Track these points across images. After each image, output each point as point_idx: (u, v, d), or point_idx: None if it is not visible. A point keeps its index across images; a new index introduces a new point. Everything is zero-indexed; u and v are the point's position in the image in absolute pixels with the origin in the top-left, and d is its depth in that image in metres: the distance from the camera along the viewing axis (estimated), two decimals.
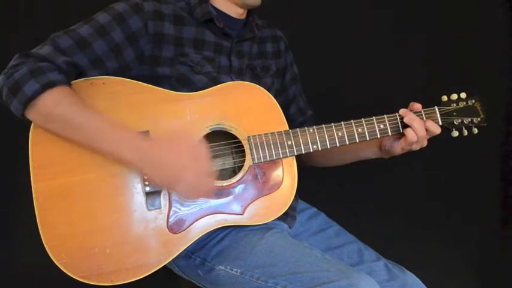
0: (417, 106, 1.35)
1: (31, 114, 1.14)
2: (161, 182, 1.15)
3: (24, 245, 1.83)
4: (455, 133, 1.38)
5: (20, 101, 1.12)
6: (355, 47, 2.00)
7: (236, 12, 1.38)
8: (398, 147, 1.36)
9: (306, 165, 1.48)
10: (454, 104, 1.38)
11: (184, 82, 1.28)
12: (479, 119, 1.38)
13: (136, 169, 1.16)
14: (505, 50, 2.03)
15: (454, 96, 1.38)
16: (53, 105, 1.12)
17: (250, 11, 1.43)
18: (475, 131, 1.38)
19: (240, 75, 1.37)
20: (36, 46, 1.20)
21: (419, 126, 1.31)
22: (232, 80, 1.34)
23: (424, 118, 1.34)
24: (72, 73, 1.19)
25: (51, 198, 1.16)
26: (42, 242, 1.14)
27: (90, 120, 1.13)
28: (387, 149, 1.39)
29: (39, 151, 1.17)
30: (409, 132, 1.31)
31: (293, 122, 1.55)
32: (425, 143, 1.35)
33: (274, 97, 1.32)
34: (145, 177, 1.17)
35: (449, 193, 2.07)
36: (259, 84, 1.32)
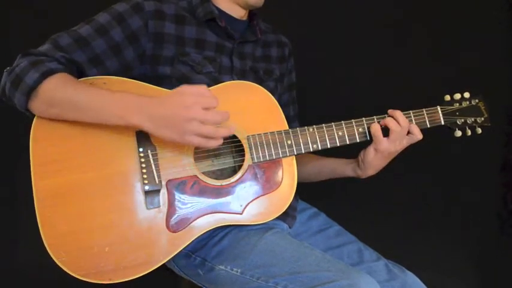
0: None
1: (34, 103, 1.15)
2: (177, 134, 1.09)
3: (24, 243, 1.86)
4: (459, 133, 1.37)
5: (22, 91, 1.13)
6: (356, 47, 2.00)
7: (238, 12, 1.38)
8: (371, 152, 1.33)
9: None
10: (457, 104, 1.37)
11: (184, 82, 1.27)
12: (482, 118, 1.37)
13: (149, 131, 1.12)
14: (508, 51, 2.01)
15: (458, 96, 1.37)
16: (54, 89, 1.14)
17: (254, 14, 1.43)
18: (479, 131, 1.37)
19: (242, 77, 1.37)
20: (36, 46, 1.21)
21: (394, 126, 1.28)
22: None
23: (426, 117, 1.33)
24: (72, 68, 1.20)
25: (52, 197, 1.16)
26: (42, 240, 1.14)
27: (93, 96, 1.14)
28: (363, 157, 1.36)
29: (40, 149, 1.17)
30: (373, 127, 1.29)
31: None
32: (400, 146, 1.32)
33: (278, 101, 1.32)
34: (161, 138, 1.13)
35: (450, 193, 2.07)
36: (262, 87, 1.31)
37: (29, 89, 1.13)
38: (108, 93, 1.15)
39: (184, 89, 1.11)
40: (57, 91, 1.14)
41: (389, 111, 1.32)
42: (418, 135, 1.31)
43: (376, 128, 1.29)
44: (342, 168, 1.45)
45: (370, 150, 1.33)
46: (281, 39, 1.53)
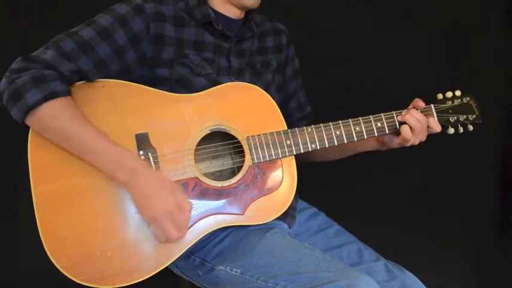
0: (421, 103, 1.37)
1: (30, 122, 1.15)
2: (147, 215, 1.15)
3: (25, 248, 1.82)
4: (451, 130, 1.39)
5: (20, 109, 1.12)
6: (353, 46, 2.01)
7: (234, 13, 1.39)
8: (395, 142, 1.38)
9: (303, 162, 1.49)
10: (450, 102, 1.39)
11: (183, 84, 1.29)
12: (474, 116, 1.40)
13: (126, 187, 1.16)
14: (504, 50, 2.05)
15: (449, 94, 1.40)
16: (52, 117, 1.13)
17: (249, 10, 1.43)
18: (470, 128, 1.39)
19: (239, 75, 1.38)
20: (36, 47, 1.19)
21: (415, 124, 1.32)
22: (232, 81, 1.34)
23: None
24: (74, 80, 1.19)
25: (52, 202, 1.15)
26: (43, 246, 1.13)
27: (86, 138, 1.14)
28: (385, 142, 1.41)
29: (39, 154, 1.17)
30: (404, 129, 1.33)
31: (292, 117, 1.55)
32: (424, 138, 1.36)
33: (276, 93, 1.33)
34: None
35: (449, 193, 2.08)
36: (259, 81, 1.33)
37: (27, 109, 1.12)
38: (104, 140, 1.15)
39: (176, 193, 1.16)
40: (55, 120, 1.13)
41: (404, 112, 1.35)
42: (437, 128, 1.35)
43: (406, 131, 1.32)
44: (363, 146, 1.47)
45: (395, 142, 1.37)
46: (277, 26, 1.52)
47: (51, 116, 1.13)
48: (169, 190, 1.16)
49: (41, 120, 1.14)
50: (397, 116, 1.35)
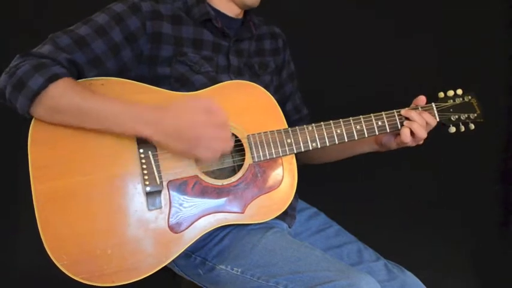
0: (422, 99, 1.37)
1: (37, 108, 1.14)
2: (188, 148, 1.14)
3: (25, 246, 1.83)
4: (453, 129, 1.39)
5: (26, 96, 1.12)
6: (353, 45, 2.01)
7: (234, 11, 1.39)
8: (393, 143, 1.38)
9: (301, 162, 1.49)
10: (451, 101, 1.39)
11: (183, 82, 1.29)
12: (475, 114, 1.39)
13: (156, 142, 1.16)
14: (505, 50, 2.05)
15: (451, 93, 1.39)
16: (59, 96, 1.13)
17: (248, 11, 1.44)
18: (472, 126, 1.39)
19: (239, 74, 1.38)
20: (35, 46, 1.20)
21: (418, 129, 1.32)
22: (231, 79, 1.34)
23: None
24: (73, 71, 1.19)
25: (52, 200, 1.15)
26: (43, 244, 1.13)
27: (100, 104, 1.14)
28: (383, 143, 1.41)
29: (39, 152, 1.16)
30: (403, 132, 1.32)
31: (288, 119, 1.53)
32: (421, 142, 1.36)
33: (273, 95, 1.33)
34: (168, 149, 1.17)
35: (449, 193, 2.08)
36: (257, 82, 1.32)
37: (33, 94, 1.11)
38: (118, 102, 1.15)
39: (197, 103, 1.14)
40: (63, 98, 1.13)
41: (403, 112, 1.34)
42: (432, 123, 1.34)
43: (405, 134, 1.32)
44: (361, 147, 1.47)
45: (393, 143, 1.38)
46: (274, 30, 1.54)
47: (58, 95, 1.13)
48: (190, 109, 1.14)
49: (49, 102, 1.13)
50: (398, 114, 1.34)
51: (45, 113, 1.15)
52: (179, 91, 1.27)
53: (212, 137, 1.14)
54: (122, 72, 1.25)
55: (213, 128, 1.14)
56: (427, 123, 1.33)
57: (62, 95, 1.13)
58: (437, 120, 1.37)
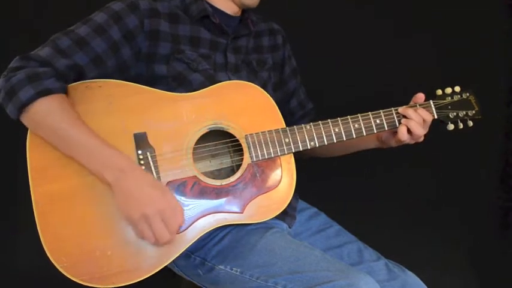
0: (420, 96, 1.37)
1: (24, 119, 1.15)
2: (126, 212, 1.13)
3: (25, 247, 1.83)
4: (451, 126, 1.39)
5: (14, 105, 1.13)
6: (352, 45, 2.01)
7: (232, 9, 1.40)
8: (392, 141, 1.39)
9: (306, 157, 1.48)
10: (449, 98, 1.39)
11: (180, 81, 1.29)
12: (473, 111, 1.39)
13: (114, 194, 1.14)
14: (505, 49, 2.05)
15: (449, 90, 1.39)
16: (44, 114, 1.14)
17: (246, 9, 1.44)
18: (470, 123, 1.39)
19: (236, 72, 1.38)
20: (35, 47, 1.20)
21: (414, 126, 1.32)
22: (229, 77, 1.35)
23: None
24: (70, 78, 1.20)
25: (51, 202, 1.15)
26: (42, 246, 1.13)
27: (78, 135, 1.14)
28: (383, 141, 1.41)
29: (37, 154, 1.17)
30: (400, 130, 1.33)
31: (294, 116, 1.56)
32: (421, 139, 1.36)
33: (273, 91, 1.34)
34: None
35: (449, 192, 2.07)
36: (255, 79, 1.33)
37: (21, 105, 1.12)
38: (95, 139, 1.14)
39: (168, 195, 1.15)
40: (47, 118, 1.14)
41: (400, 110, 1.34)
42: (428, 119, 1.34)
43: (402, 132, 1.32)
44: (364, 143, 1.47)
45: (392, 141, 1.38)
46: (273, 26, 1.54)
47: (43, 113, 1.14)
48: (161, 191, 1.15)
49: (33, 117, 1.14)
50: (396, 112, 1.35)
51: (30, 125, 1.17)
52: (177, 90, 1.27)
53: (157, 226, 1.12)
54: (122, 71, 1.26)
55: (163, 223, 1.13)
56: (424, 120, 1.33)
57: (46, 114, 1.14)
58: (435, 117, 1.37)
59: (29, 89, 1.12)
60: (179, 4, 1.34)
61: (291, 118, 1.50)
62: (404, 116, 1.34)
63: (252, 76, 1.39)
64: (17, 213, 1.74)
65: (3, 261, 1.91)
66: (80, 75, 1.21)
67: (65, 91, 1.18)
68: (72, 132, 1.14)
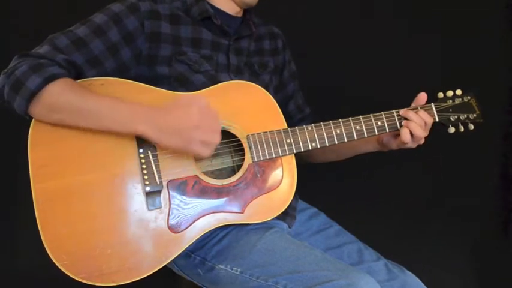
0: (423, 96, 1.37)
1: (35, 108, 1.14)
2: (182, 143, 1.15)
3: (24, 246, 1.83)
4: (452, 129, 1.39)
5: (23, 96, 1.12)
6: (354, 45, 2.01)
7: (233, 9, 1.40)
8: (393, 144, 1.38)
9: (304, 162, 1.48)
10: (450, 101, 1.39)
11: (182, 81, 1.29)
12: (475, 115, 1.39)
13: (152, 139, 1.16)
14: (505, 50, 2.05)
15: (450, 93, 1.39)
16: (57, 94, 1.13)
17: (247, 9, 1.44)
18: (471, 127, 1.39)
19: (238, 73, 1.38)
20: (35, 46, 1.20)
21: (415, 128, 1.32)
22: (231, 78, 1.35)
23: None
24: (71, 71, 1.20)
25: (51, 200, 1.15)
26: (43, 244, 1.13)
27: (97, 102, 1.15)
28: (384, 143, 1.41)
29: (39, 152, 1.17)
30: (402, 132, 1.32)
31: (291, 119, 1.56)
32: (422, 141, 1.36)
33: (273, 94, 1.33)
34: (162, 145, 1.17)
35: (450, 193, 2.07)
36: (257, 82, 1.33)
37: (30, 94, 1.12)
38: (115, 101, 1.16)
39: (189, 99, 1.17)
40: (61, 97, 1.13)
41: (401, 112, 1.34)
42: (429, 121, 1.34)
43: (406, 135, 1.32)
44: (364, 147, 1.47)
45: (394, 144, 1.38)
46: (273, 30, 1.54)
47: (56, 93, 1.13)
48: (186, 107, 1.15)
49: (47, 101, 1.14)
50: (397, 114, 1.34)
51: (43, 112, 1.15)
52: (178, 91, 1.27)
53: (204, 130, 1.14)
54: (122, 71, 1.26)
55: (204, 121, 1.14)
56: (425, 122, 1.33)
57: (60, 93, 1.13)
58: (437, 120, 1.37)
59: (35, 78, 1.12)
60: (180, 5, 1.34)
61: (290, 121, 1.50)
62: (406, 118, 1.34)
63: (254, 78, 1.39)
64: (17, 213, 1.76)
65: (3, 261, 1.91)
66: (79, 73, 1.21)
67: (69, 77, 1.17)
68: (90, 102, 1.14)
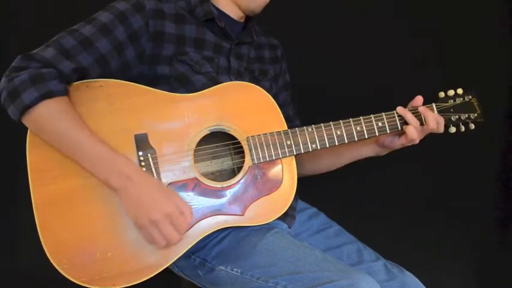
0: (419, 99, 1.37)
1: (26, 121, 1.14)
2: (134, 218, 1.14)
3: (24, 246, 1.84)
4: (453, 129, 1.39)
5: (16, 107, 1.12)
6: (353, 45, 2.00)
7: (237, 14, 1.39)
8: (397, 144, 1.38)
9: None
10: (451, 100, 1.39)
11: (183, 82, 1.28)
12: (476, 114, 1.39)
13: (119, 197, 1.15)
14: (505, 49, 2.04)
15: (451, 93, 1.39)
16: (47, 118, 1.13)
17: (250, 17, 1.44)
18: (472, 126, 1.39)
19: (239, 77, 1.38)
20: (36, 47, 1.18)
21: (416, 124, 1.32)
22: (231, 81, 1.34)
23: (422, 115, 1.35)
24: (73, 79, 1.19)
25: (51, 204, 1.15)
26: (43, 248, 1.13)
27: (83, 141, 1.13)
28: (386, 145, 1.40)
29: (38, 155, 1.16)
30: (409, 129, 1.32)
31: None
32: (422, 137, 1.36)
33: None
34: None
35: (449, 193, 2.07)
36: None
37: (24, 107, 1.11)
38: (101, 146, 1.14)
39: (175, 196, 1.17)
40: (50, 120, 1.13)
41: (399, 110, 1.34)
42: (434, 126, 1.34)
43: (411, 131, 1.32)
44: (362, 151, 1.46)
45: (397, 143, 1.37)
46: (272, 42, 1.55)
47: (47, 116, 1.13)
48: (167, 194, 1.15)
49: (37, 121, 1.13)
50: (398, 114, 1.34)
51: (32, 128, 1.16)
52: (178, 91, 1.26)
53: (166, 230, 1.13)
54: (124, 71, 1.25)
55: (172, 225, 1.14)
56: (437, 122, 1.34)
57: (50, 118, 1.13)
58: None
59: (32, 92, 1.11)
60: (184, 5, 1.33)
61: None
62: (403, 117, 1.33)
63: (254, 83, 1.37)
64: (17, 214, 1.76)
65: (3, 261, 1.91)
66: (83, 76, 1.20)
67: (67, 93, 1.17)
68: (76, 138, 1.13)
